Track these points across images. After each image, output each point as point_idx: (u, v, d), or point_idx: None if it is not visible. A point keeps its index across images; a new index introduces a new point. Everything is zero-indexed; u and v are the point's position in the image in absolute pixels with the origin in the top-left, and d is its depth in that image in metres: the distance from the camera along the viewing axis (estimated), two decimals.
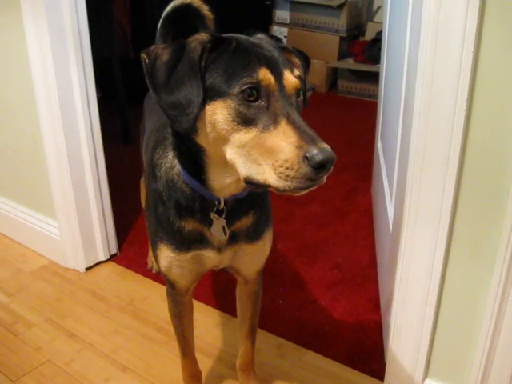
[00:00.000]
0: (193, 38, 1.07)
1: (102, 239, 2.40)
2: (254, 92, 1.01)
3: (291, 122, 1.00)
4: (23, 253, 2.55)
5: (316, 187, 1.00)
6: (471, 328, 1.46)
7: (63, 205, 2.29)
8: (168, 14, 1.74)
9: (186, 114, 1.04)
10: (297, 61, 1.22)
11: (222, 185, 1.19)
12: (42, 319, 2.08)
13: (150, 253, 2.36)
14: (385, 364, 1.75)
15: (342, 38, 5.01)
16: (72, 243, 2.35)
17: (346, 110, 4.66)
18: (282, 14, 5.23)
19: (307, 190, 1.01)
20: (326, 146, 0.97)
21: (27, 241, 2.58)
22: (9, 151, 2.50)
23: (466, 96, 1.23)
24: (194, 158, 1.16)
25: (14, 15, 2.08)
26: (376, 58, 4.48)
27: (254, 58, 1.04)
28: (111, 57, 3.54)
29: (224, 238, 1.28)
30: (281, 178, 0.98)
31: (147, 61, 1.06)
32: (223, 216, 1.24)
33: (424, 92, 1.29)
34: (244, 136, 1.02)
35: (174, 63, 1.05)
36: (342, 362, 1.84)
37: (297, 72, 1.15)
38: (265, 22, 5.27)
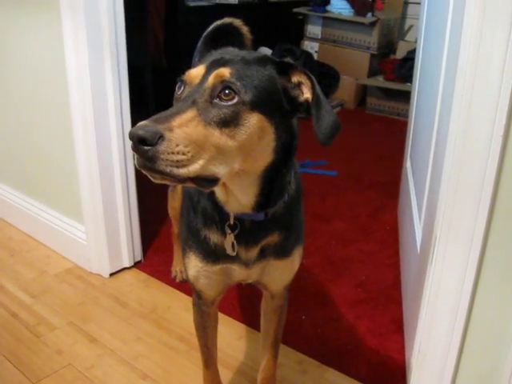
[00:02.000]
0: None
1: (127, 246, 2.41)
2: (180, 85, 1.08)
3: (175, 107, 1.02)
4: (48, 255, 2.58)
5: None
6: (498, 356, 1.44)
7: (91, 210, 2.31)
8: (209, 33, 1.79)
9: None
10: (307, 82, 1.10)
11: (223, 197, 1.18)
12: (64, 322, 2.09)
13: (175, 262, 2.37)
14: None
15: (372, 56, 5.00)
16: (97, 248, 2.36)
17: (374, 127, 4.64)
18: (314, 29, 5.25)
19: (146, 171, 0.99)
20: (149, 125, 0.93)
21: (53, 243, 2.60)
22: (41, 154, 2.53)
23: (504, 122, 1.22)
24: None
25: (54, 24, 2.12)
26: (406, 77, 4.47)
27: (207, 58, 1.10)
28: (144, 65, 3.59)
29: (232, 254, 1.26)
30: None
31: None
32: (236, 232, 1.23)
33: (461, 115, 1.28)
34: None
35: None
36: (362, 381, 1.82)
37: (227, 71, 1.03)
38: (297, 37, 5.29)
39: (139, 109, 3.67)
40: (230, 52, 1.12)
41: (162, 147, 0.93)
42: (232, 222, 1.22)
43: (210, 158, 0.99)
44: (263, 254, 1.30)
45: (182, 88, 1.07)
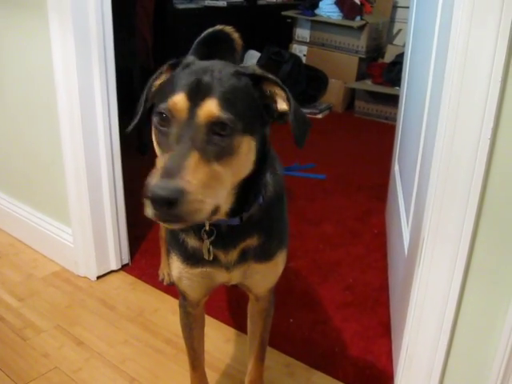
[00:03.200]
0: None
1: (114, 249, 2.40)
2: (165, 118, 1.02)
3: (173, 153, 0.97)
4: (35, 258, 2.56)
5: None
6: (485, 359, 1.45)
7: (78, 212, 2.30)
8: (200, 40, 1.83)
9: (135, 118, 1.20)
10: (281, 93, 1.12)
11: None
12: (51, 325, 2.08)
13: (162, 264, 2.36)
14: None
15: (361, 59, 5.02)
16: (84, 251, 2.35)
17: (362, 130, 4.66)
18: (303, 32, 5.26)
19: (166, 223, 1.01)
20: (170, 182, 0.92)
21: (40, 246, 2.59)
22: (28, 157, 2.51)
23: (492, 124, 1.23)
24: None
25: (41, 26, 2.11)
26: (394, 81, 4.49)
27: (183, 84, 1.04)
28: (132, 67, 3.57)
29: (209, 259, 1.27)
30: None
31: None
32: (212, 238, 1.23)
33: (448, 118, 1.29)
34: (159, 162, 1.00)
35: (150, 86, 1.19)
36: None
37: (217, 106, 1.01)
38: (285, 40, 5.31)
39: (127, 111, 3.66)
40: (202, 68, 1.08)
41: (186, 203, 0.93)
42: (207, 228, 1.22)
43: (216, 193, 1.01)
44: (244, 258, 1.31)
45: (168, 122, 1.02)
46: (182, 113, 1.01)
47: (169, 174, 0.93)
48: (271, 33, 5.21)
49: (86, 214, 2.28)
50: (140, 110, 1.17)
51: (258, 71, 1.12)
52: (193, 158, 0.96)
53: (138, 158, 3.63)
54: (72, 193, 2.28)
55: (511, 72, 1.20)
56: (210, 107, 1.00)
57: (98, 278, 2.39)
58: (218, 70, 1.07)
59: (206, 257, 1.27)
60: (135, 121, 1.18)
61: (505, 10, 1.15)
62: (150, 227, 2.71)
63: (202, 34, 1.84)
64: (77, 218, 2.32)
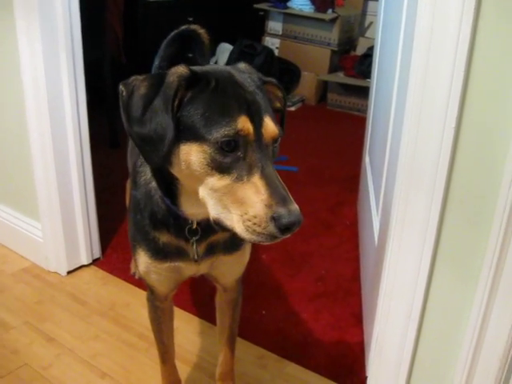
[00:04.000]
0: (172, 71, 1.05)
1: (85, 243, 2.38)
2: (232, 143, 1.00)
3: (264, 177, 1.00)
4: (5, 254, 2.52)
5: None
6: (453, 344, 1.47)
7: (47, 207, 2.27)
8: (170, 39, 1.86)
9: (157, 151, 1.03)
10: (278, 93, 1.22)
11: (195, 212, 1.19)
12: (20, 322, 2.05)
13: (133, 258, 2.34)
14: (366, 378, 1.75)
15: (333, 52, 5.03)
16: (55, 246, 2.32)
17: (334, 123, 4.67)
18: (275, 25, 5.25)
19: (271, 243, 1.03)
20: (294, 207, 0.99)
21: (9, 242, 2.55)
22: None
23: (456, 114, 1.24)
24: (168, 183, 1.16)
25: (6, 15, 2.07)
26: (366, 73, 4.51)
27: (234, 103, 1.03)
28: (102, 60, 3.53)
29: (196, 258, 1.29)
30: (247, 230, 1.00)
31: (124, 93, 1.05)
32: (197, 236, 1.25)
33: (414, 108, 1.30)
34: (217, 182, 1.02)
35: (151, 97, 1.03)
36: (323, 374, 1.84)
37: (272, 123, 1.07)
38: (257, 33, 5.29)
39: (98, 105, 3.62)
40: (234, 82, 1.08)
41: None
42: (195, 227, 1.23)
43: None
44: (212, 251, 1.31)
45: (234, 146, 1.01)
46: (251, 135, 1.02)
47: (286, 200, 0.99)
48: (243, 26, 5.18)
49: (56, 209, 2.25)
50: (170, 133, 1.02)
51: (265, 78, 1.19)
52: (280, 177, 1.03)
53: (108, 151, 3.60)
54: (41, 187, 2.25)
55: (474, 61, 1.21)
56: (271, 126, 1.05)
57: (69, 272, 2.37)
58: (248, 82, 1.09)
59: (192, 256, 1.28)
60: (165, 148, 1.03)
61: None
62: (122, 221, 2.69)
63: (169, 36, 1.87)
64: (46, 212, 2.29)
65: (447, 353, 1.49)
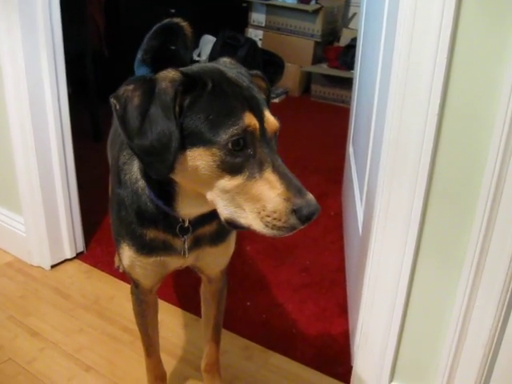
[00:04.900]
0: (162, 75, 1.02)
1: (68, 237, 2.36)
2: (241, 141, 1.00)
3: (276, 171, 1.01)
4: None
5: None
6: (437, 332, 1.48)
7: (30, 201, 2.25)
8: (152, 33, 1.86)
9: (162, 161, 1.01)
10: (263, 84, 1.21)
11: (190, 212, 1.19)
12: (4, 316, 2.03)
13: (117, 252, 2.33)
14: (351, 367, 1.75)
15: (316, 43, 5.03)
16: (37, 240, 2.30)
17: (318, 114, 4.68)
18: (258, 16, 5.24)
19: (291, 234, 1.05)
20: (310, 196, 1.01)
21: None
22: None
23: (439, 101, 1.24)
24: (163, 186, 1.14)
25: None
26: (350, 64, 4.52)
27: (236, 102, 1.02)
28: (83, 53, 3.49)
29: (185, 256, 1.29)
30: (267, 226, 1.00)
31: (117, 106, 1.02)
32: (189, 234, 1.25)
33: (397, 97, 1.30)
34: (228, 182, 1.02)
35: (146, 107, 1.00)
36: (308, 365, 1.84)
37: (271, 116, 1.09)
38: (241, 24, 5.27)
39: (80, 97, 3.59)
40: (231, 79, 1.07)
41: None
42: (187, 225, 1.23)
43: None
44: (198, 243, 1.31)
45: (243, 144, 1.00)
46: (258, 132, 1.02)
47: (301, 191, 1.00)
48: (227, 17, 5.16)
49: (38, 203, 2.23)
50: (175, 140, 0.99)
51: (251, 71, 1.19)
52: (288, 169, 1.03)
53: (91, 144, 3.57)
54: (22, 181, 2.22)
55: (457, 49, 1.21)
56: (272, 119, 1.07)
57: (53, 267, 2.35)
58: (241, 78, 1.09)
59: (183, 254, 1.28)
60: (170, 156, 1.01)
61: None
62: (106, 214, 2.67)
63: (152, 29, 1.88)
64: (28, 206, 2.27)
65: (432, 341, 1.50)
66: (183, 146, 1.01)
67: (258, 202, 1.00)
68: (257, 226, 1.01)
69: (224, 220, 1.06)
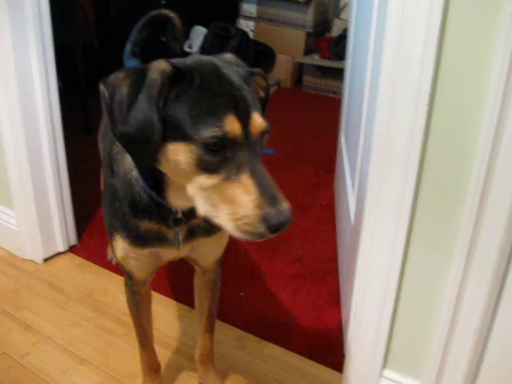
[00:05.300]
0: (154, 66, 1.01)
1: (60, 230, 2.35)
2: (220, 143, 0.98)
3: (253, 176, 0.99)
4: None
5: None
6: (429, 320, 1.49)
7: (21, 195, 2.24)
8: (142, 24, 1.87)
9: (144, 151, 1.02)
10: (263, 82, 1.20)
11: (182, 204, 1.19)
12: None
13: (110, 244, 2.33)
14: (344, 356, 1.76)
15: (308, 34, 5.01)
16: (29, 234, 2.30)
17: (310, 105, 4.67)
18: (249, 7, 5.22)
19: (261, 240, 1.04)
20: (284, 206, 0.99)
21: None
22: None
23: (429, 90, 1.24)
24: (154, 176, 1.14)
25: None
26: (342, 55, 4.50)
27: (221, 101, 1.00)
28: (73, 44, 3.47)
29: (179, 247, 1.30)
30: (238, 229, 1.00)
31: (106, 93, 1.02)
32: (182, 224, 1.25)
33: (387, 86, 1.30)
34: (205, 180, 1.01)
35: (133, 96, 0.99)
36: (301, 354, 1.85)
37: (260, 118, 1.06)
38: (232, 15, 5.25)
39: (71, 90, 3.57)
40: (220, 77, 1.04)
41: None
42: (180, 216, 1.23)
43: None
44: (193, 234, 1.31)
45: (222, 145, 0.99)
46: (239, 136, 1.00)
47: (276, 200, 0.99)
48: (218, 8, 5.13)
49: (30, 197, 2.22)
50: (158, 133, 0.99)
51: (251, 69, 1.16)
52: (269, 174, 1.02)
53: (83, 138, 3.56)
54: (13, 175, 2.21)
55: (446, 38, 1.21)
56: (259, 121, 1.04)
57: (45, 260, 2.35)
58: (236, 76, 1.06)
59: (177, 245, 1.29)
60: (153, 147, 1.01)
61: None
62: (98, 207, 2.67)
63: (141, 20, 1.88)
64: (20, 200, 2.26)
65: (424, 329, 1.51)
66: (166, 139, 1.01)
67: (232, 204, 0.99)
68: (229, 227, 1.01)
69: (201, 215, 1.06)
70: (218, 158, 0.99)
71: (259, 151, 1.04)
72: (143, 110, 0.98)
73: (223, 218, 1.01)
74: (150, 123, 0.98)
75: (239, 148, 1.00)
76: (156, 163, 1.06)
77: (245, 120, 1.01)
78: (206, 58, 1.11)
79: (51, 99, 2.15)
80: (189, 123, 0.99)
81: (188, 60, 1.09)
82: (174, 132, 1.00)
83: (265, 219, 0.97)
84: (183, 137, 0.99)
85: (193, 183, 1.04)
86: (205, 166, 1.00)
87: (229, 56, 1.17)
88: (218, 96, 1.01)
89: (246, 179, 0.99)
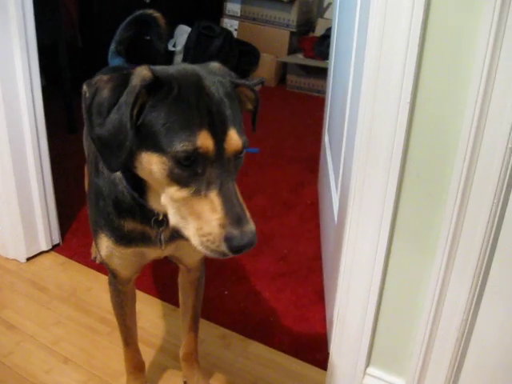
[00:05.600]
0: (137, 72, 1.00)
1: (44, 229, 2.34)
2: (191, 157, 0.98)
3: (221, 195, 0.99)
4: None
5: None
6: (412, 317, 1.50)
7: (4, 194, 2.22)
8: (127, 23, 1.90)
9: (116, 156, 1.01)
10: (251, 95, 1.19)
11: (161, 207, 1.18)
12: None
13: (94, 243, 2.32)
14: (328, 354, 1.78)
15: (292, 33, 5.03)
16: (12, 232, 2.28)
17: (294, 104, 4.69)
18: (233, 6, 5.22)
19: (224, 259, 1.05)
20: (248, 228, 0.99)
21: None
22: None
23: (411, 89, 1.26)
24: (135, 178, 1.14)
25: None
26: (325, 54, 4.53)
27: (196, 115, 0.99)
28: (57, 43, 3.45)
29: (161, 248, 1.30)
30: (201, 244, 1.01)
31: (87, 94, 1.02)
32: (163, 227, 1.24)
33: (370, 84, 1.31)
34: (176, 192, 1.01)
35: (113, 101, 0.99)
36: (286, 352, 1.86)
37: (237, 136, 1.03)
38: (216, 15, 5.25)
39: (54, 89, 3.55)
40: (199, 89, 1.03)
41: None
42: (161, 217, 1.22)
43: None
44: (176, 234, 1.30)
45: (193, 160, 0.98)
46: (211, 152, 0.99)
47: (241, 221, 0.99)
48: (201, 7, 5.13)
49: (12, 196, 2.20)
50: (129, 140, 0.99)
51: (238, 81, 1.14)
52: (239, 193, 1.02)
53: (66, 136, 3.54)
54: None
55: (428, 37, 1.23)
56: (235, 139, 1.02)
57: (28, 259, 2.33)
58: (217, 88, 1.05)
59: (159, 246, 1.29)
60: (123, 154, 1.01)
61: None
62: (81, 206, 2.65)
63: (125, 20, 1.90)
64: (2, 199, 2.24)
65: (407, 326, 1.52)
66: (140, 147, 1.01)
67: (199, 219, 1.00)
68: (194, 241, 1.01)
69: (171, 226, 1.07)
70: (189, 172, 0.99)
71: (232, 168, 1.03)
72: (119, 115, 0.98)
73: (190, 232, 1.02)
74: (124, 129, 0.98)
75: (211, 164, 1.00)
76: (134, 169, 1.07)
77: (220, 136, 1.00)
78: (190, 67, 1.10)
79: (35, 97, 2.14)
80: (163, 134, 0.99)
81: (171, 69, 1.08)
82: (148, 141, 1.00)
83: (227, 239, 0.98)
84: (156, 148, 0.99)
85: (165, 193, 1.04)
86: (176, 179, 1.00)
87: (215, 66, 1.15)
88: (194, 109, 1.00)
89: (213, 196, 0.99)
